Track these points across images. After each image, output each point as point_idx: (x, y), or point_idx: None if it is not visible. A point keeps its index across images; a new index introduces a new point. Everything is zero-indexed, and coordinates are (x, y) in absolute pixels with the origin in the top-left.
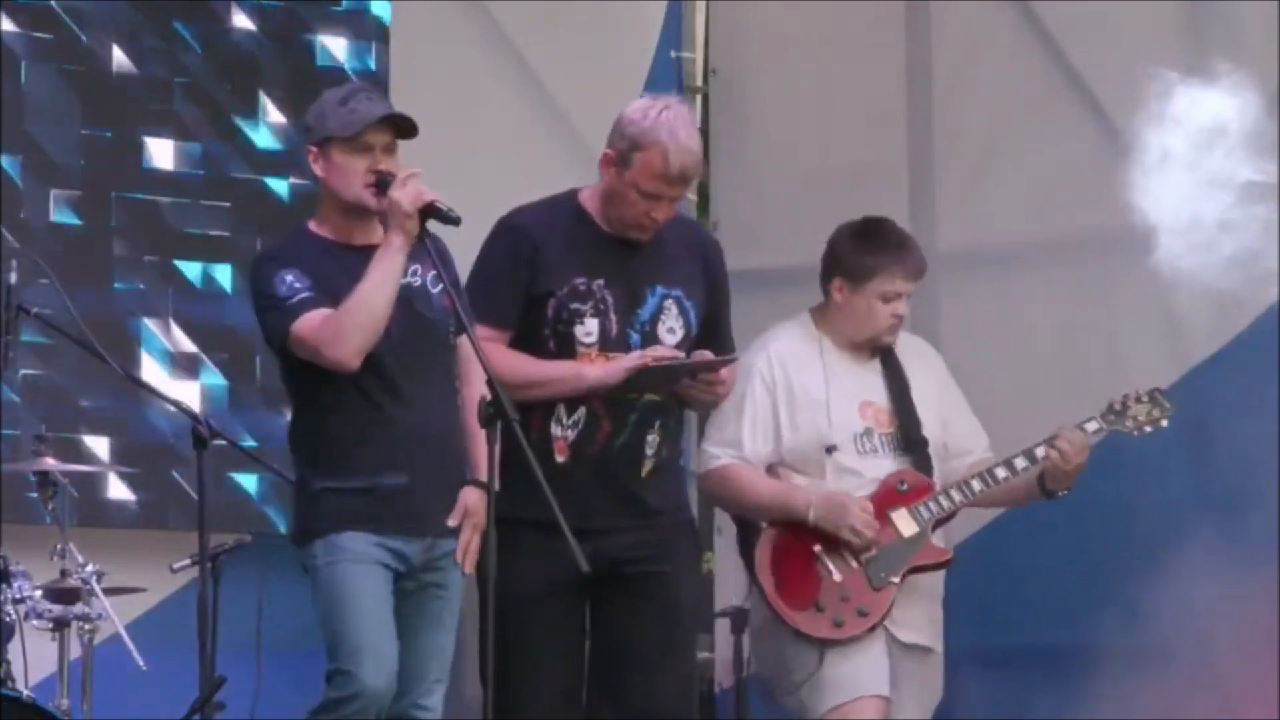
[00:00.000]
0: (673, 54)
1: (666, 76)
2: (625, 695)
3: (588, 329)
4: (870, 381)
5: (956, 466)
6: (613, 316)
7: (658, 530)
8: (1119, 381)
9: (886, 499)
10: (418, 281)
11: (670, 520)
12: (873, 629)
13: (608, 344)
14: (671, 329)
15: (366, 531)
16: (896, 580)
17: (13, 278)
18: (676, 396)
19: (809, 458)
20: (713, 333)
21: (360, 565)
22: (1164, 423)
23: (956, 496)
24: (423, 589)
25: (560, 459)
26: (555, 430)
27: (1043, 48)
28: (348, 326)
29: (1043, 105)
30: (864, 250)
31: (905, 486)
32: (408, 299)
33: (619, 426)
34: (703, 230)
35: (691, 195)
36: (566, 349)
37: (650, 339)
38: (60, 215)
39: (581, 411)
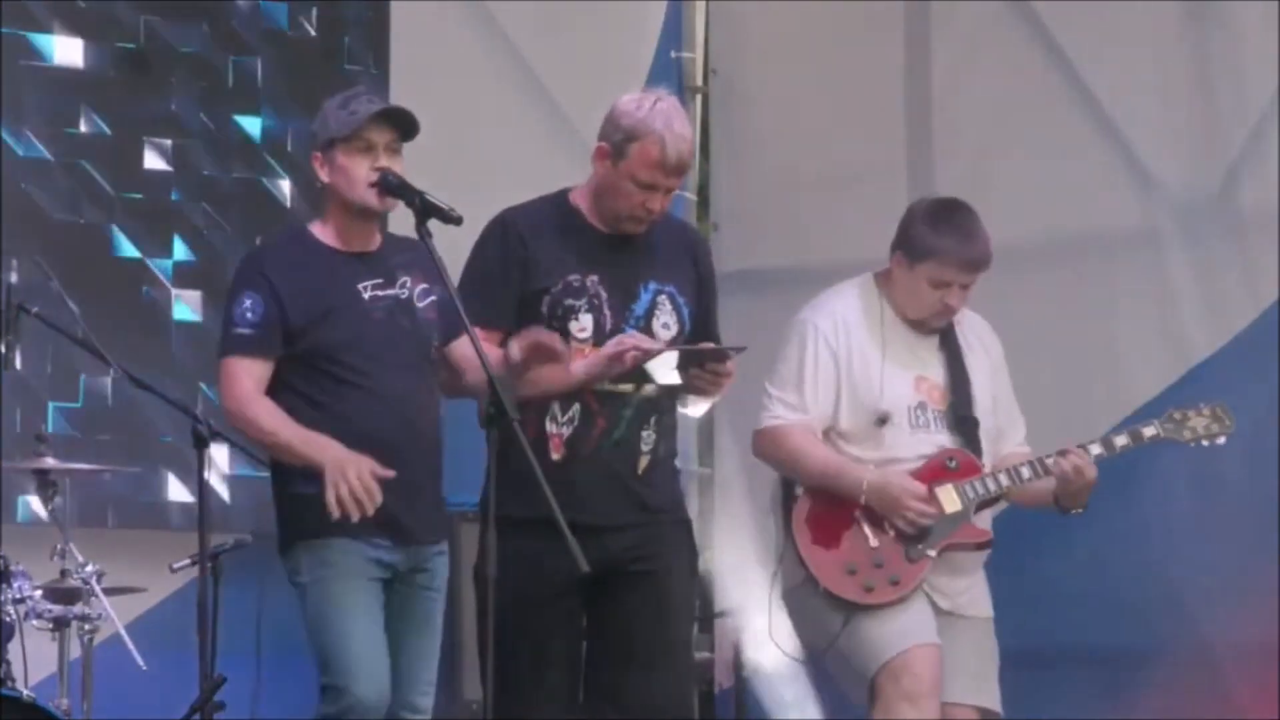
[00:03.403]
0: (673, 54)
1: (666, 76)
2: (623, 695)
3: (582, 324)
4: (927, 356)
5: (997, 449)
6: (607, 312)
7: (655, 529)
8: (1119, 381)
9: (934, 474)
10: (405, 294)
11: (668, 519)
12: (901, 600)
13: (602, 339)
14: (666, 324)
15: (349, 538)
16: (933, 554)
17: (13, 278)
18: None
19: (863, 427)
20: (703, 330)
21: (348, 580)
22: (1221, 439)
23: (1004, 480)
24: (412, 590)
25: (556, 456)
26: (550, 428)
27: (1043, 48)
28: (247, 426)
29: (1043, 105)
30: (928, 230)
31: (954, 464)
32: (391, 311)
33: (614, 423)
34: (690, 229)
35: (691, 195)
36: None
37: (645, 334)
38: (61, 215)
39: (576, 408)
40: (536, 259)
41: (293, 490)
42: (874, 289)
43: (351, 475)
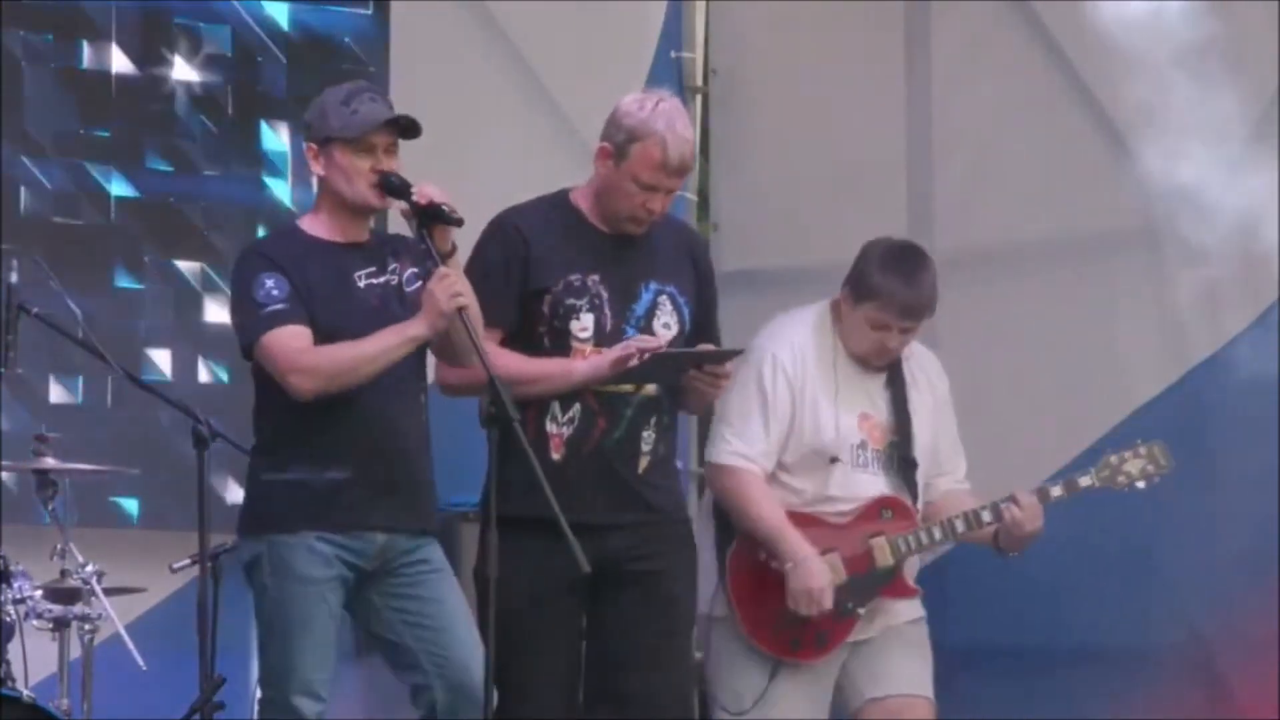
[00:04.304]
0: (673, 54)
1: (666, 76)
2: (623, 695)
3: (583, 324)
4: (874, 392)
5: (935, 485)
6: (608, 312)
7: (656, 529)
8: (1119, 381)
9: (868, 524)
10: (395, 280)
11: (668, 519)
12: (825, 660)
13: (603, 339)
14: (667, 324)
15: (313, 529)
16: (862, 612)
17: (13, 278)
18: (676, 390)
19: (807, 461)
20: (703, 330)
21: (308, 588)
22: (1157, 479)
23: (938, 534)
24: (407, 579)
25: (556, 456)
26: (551, 427)
27: (1043, 48)
28: (325, 372)
29: (1042, 105)
30: (875, 271)
31: (889, 515)
32: (383, 298)
33: (614, 422)
34: (690, 229)
35: (691, 195)
36: (561, 345)
37: (646, 334)
38: (60, 215)
39: (576, 408)
40: (537, 259)
41: (264, 476)
42: (828, 319)
43: None
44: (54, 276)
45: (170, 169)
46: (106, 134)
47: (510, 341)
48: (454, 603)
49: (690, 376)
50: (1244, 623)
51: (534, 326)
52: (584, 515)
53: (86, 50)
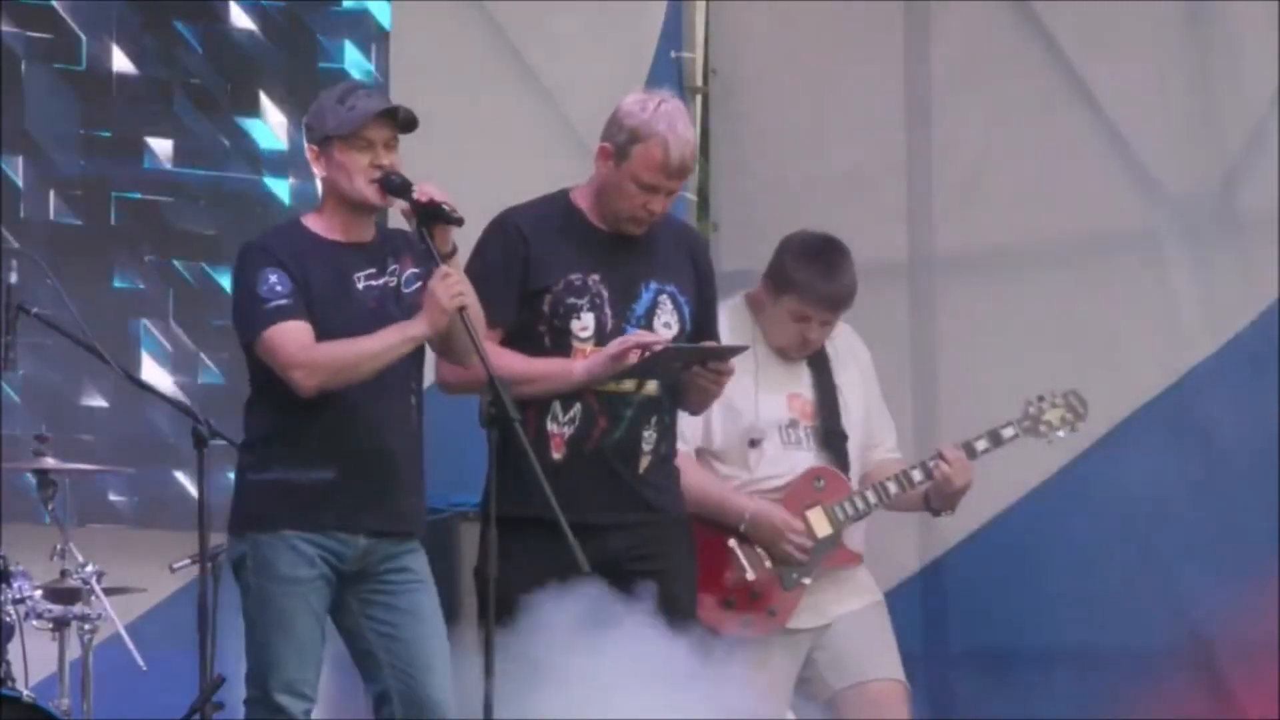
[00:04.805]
0: (673, 54)
1: (666, 76)
2: None
3: (584, 324)
4: (798, 372)
5: (868, 458)
6: (608, 311)
7: (656, 528)
8: (1119, 381)
9: (802, 496)
10: (394, 281)
11: (669, 519)
12: (780, 630)
13: (603, 339)
14: (667, 324)
15: (296, 529)
16: (808, 582)
17: (13, 278)
18: (677, 388)
19: (735, 447)
20: (703, 329)
21: (291, 587)
22: (1078, 426)
23: (872, 498)
24: (389, 588)
25: (557, 456)
26: (551, 427)
27: (1043, 48)
28: (327, 368)
29: (1042, 105)
30: (795, 264)
31: (821, 484)
32: (381, 300)
33: (615, 422)
34: (690, 228)
35: (691, 195)
36: (562, 344)
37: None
38: (60, 215)
39: (577, 407)
40: (538, 258)
41: (249, 475)
42: (745, 310)
43: None
44: (54, 276)
45: (170, 168)
46: (107, 134)
47: (511, 341)
48: (429, 617)
49: (693, 373)
50: (1244, 623)
51: (534, 326)
52: (584, 515)
53: (86, 50)
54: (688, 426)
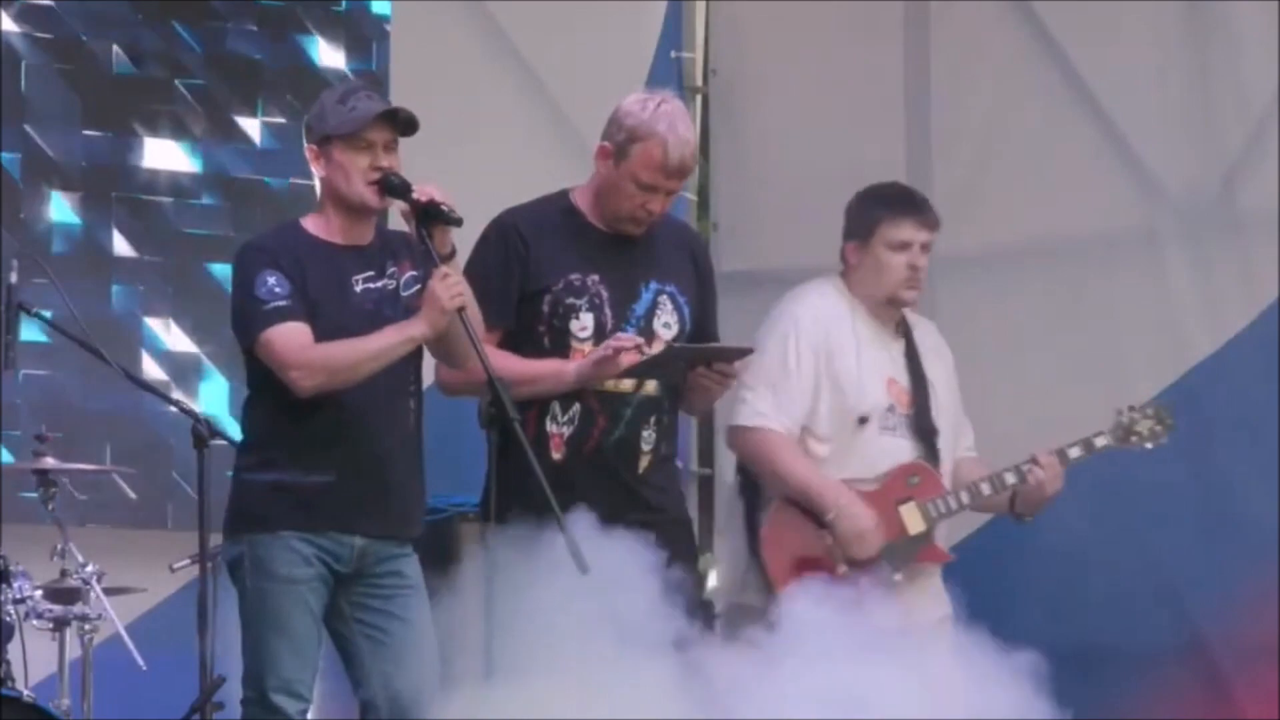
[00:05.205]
0: (673, 54)
1: (666, 76)
2: None
3: (583, 324)
4: (895, 358)
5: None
6: (608, 311)
7: (656, 529)
8: (1119, 381)
9: (896, 491)
10: (392, 285)
11: (668, 519)
12: None
13: (603, 339)
14: (667, 324)
15: (293, 530)
16: (899, 578)
17: (13, 278)
18: (680, 389)
19: (838, 427)
20: (703, 330)
21: (288, 587)
22: (1165, 439)
23: (966, 499)
24: (381, 591)
25: (556, 456)
26: (551, 427)
27: (1043, 48)
28: (326, 368)
29: (1043, 105)
30: (869, 203)
31: (916, 481)
32: (378, 303)
33: (614, 422)
34: (690, 228)
35: (691, 195)
36: (561, 345)
37: (646, 334)
38: (60, 215)
39: (577, 408)
40: (537, 258)
41: (245, 476)
42: (836, 289)
43: None
44: (54, 276)
45: (170, 168)
46: (107, 134)
47: (510, 342)
48: (419, 624)
49: (697, 374)
50: (1244, 623)
51: (534, 326)
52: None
53: (87, 50)
54: (794, 404)
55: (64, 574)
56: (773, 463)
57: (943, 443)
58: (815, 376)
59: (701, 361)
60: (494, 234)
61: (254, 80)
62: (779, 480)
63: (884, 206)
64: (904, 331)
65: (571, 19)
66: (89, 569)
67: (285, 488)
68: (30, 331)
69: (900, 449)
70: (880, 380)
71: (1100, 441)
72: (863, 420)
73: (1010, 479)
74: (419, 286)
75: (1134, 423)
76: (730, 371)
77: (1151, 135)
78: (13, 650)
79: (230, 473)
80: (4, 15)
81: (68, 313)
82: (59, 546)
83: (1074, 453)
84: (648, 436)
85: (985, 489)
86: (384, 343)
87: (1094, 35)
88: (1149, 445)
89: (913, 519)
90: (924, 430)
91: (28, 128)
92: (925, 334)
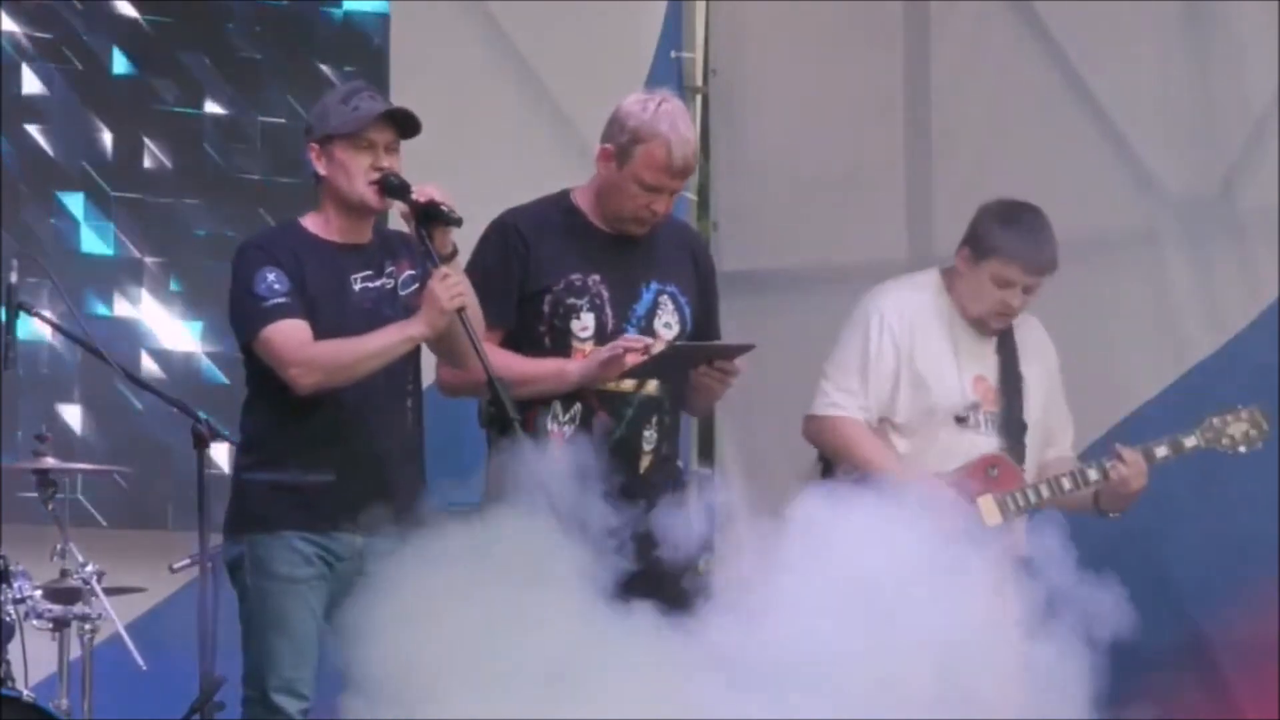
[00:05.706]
0: (673, 54)
1: (666, 76)
2: None
3: (584, 324)
4: (986, 355)
5: (1044, 455)
6: (609, 311)
7: None
8: (1119, 382)
9: (974, 482)
10: (390, 284)
11: None
12: None
13: (604, 339)
14: (668, 324)
15: (292, 529)
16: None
17: (13, 278)
18: (683, 389)
19: (918, 423)
20: (704, 330)
21: (288, 586)
22: (1260, 444)
23: (1045, 493)
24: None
25: None
26: (552, 426)
27: (1043, 48)
28: (325, 366)
29: (1043, 105)
30: (998, 227)
31: (995, 472)
32: (377, 302)
33: (615, 422)
34: (691, 229)
35: (691, 195)
36: (562, 345)
37: (647, 334)
38: (60, 215)
39: (578, 407)
40: (538, 258)
41: (244, 476)
42: (941, 284)
43: None
44: (54, 277)
45: (171, 168)
46: (107, 134)
47: (511, 342)
48: None
49: (699, 373)
50: (1244, 623)
51: (534, 326)
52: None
53: (87, 50)
54: (872, 396)
55: (64, 574)
56: (849, 449)
57: (1029, 439)
58: (895, 369)
59: (703, 359)
60: (494, 234)
61: (255, 79)
62: (857, 467)
63: (1004, 239)
64: (998, 329)
65: (571, 19)
66: (89, 569)
67: (285, 487)
68: (30, 331)
69: (983, 446)
70: (967, 377)
71: (1189, 442)
72: (945, 416)
73: (1093, 475)
74: (417, 286)
75: (1226, 425)
76: (731, 369)
77: (1151, 135)
78: (13, 650)
79: (230, 472)
80: (4, 15)
81: (68, 313)
82: (59, 546)
83: (1160, 451)
84: (649, 436)
85: (1066, 484)
86: (384, 341)
87: (1094, 35)
88: (1242, 449)
89: (990, 511)
90: (1011, 428)
91: (28, 128)
92: (1028, 331)
